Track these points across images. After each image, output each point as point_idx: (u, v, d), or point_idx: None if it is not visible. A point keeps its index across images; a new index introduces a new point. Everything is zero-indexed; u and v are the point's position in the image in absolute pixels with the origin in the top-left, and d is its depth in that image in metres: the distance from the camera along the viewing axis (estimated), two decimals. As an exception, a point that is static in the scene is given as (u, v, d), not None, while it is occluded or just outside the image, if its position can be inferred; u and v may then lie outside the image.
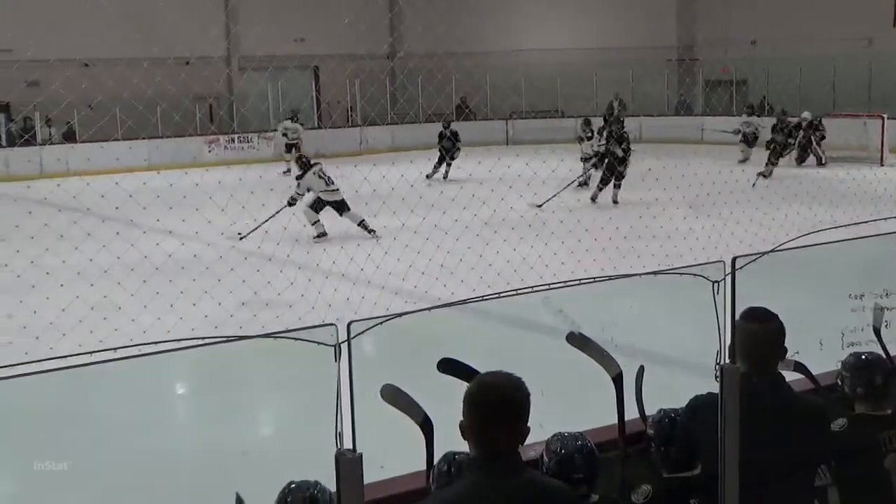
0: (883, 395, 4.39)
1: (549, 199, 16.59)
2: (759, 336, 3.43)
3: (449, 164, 22.28)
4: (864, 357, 4.43)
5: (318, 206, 14.74)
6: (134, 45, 23.21)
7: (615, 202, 17.92)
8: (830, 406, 4.28)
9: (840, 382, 4.46)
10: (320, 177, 14.72)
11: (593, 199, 18.10)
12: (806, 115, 24.22)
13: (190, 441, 6.57)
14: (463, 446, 3.58)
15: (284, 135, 25.37)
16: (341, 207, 14.72)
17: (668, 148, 24.43)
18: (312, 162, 15.06)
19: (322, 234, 14.37)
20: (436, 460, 3.50)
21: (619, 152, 18.46)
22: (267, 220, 13.48)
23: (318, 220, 14.60)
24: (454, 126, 23.31)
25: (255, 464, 5.59)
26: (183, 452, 6.20)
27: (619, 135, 18.91)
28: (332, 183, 14.95)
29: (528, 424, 2.82)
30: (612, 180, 18.19)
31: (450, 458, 3.51)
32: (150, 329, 8.15)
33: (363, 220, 14.48)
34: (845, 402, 4.44)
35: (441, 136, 22.69)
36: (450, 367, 3.57)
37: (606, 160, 18.44)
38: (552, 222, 13.28)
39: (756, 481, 3.19)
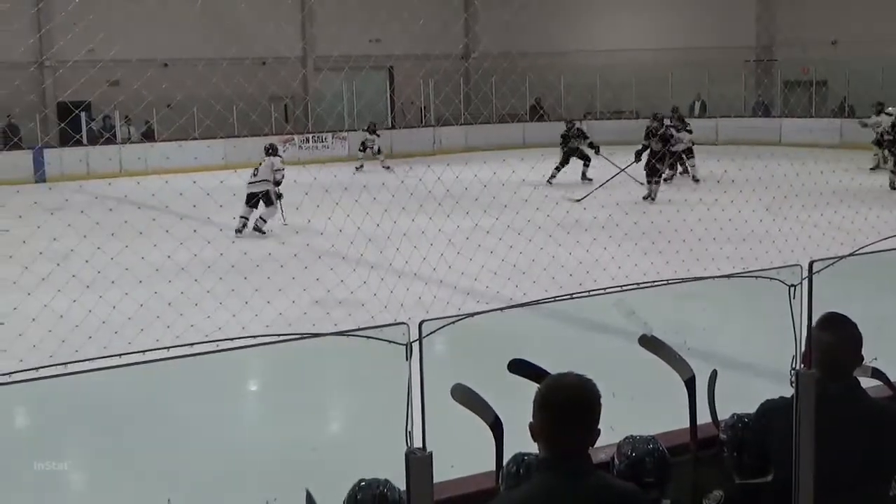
0: None
1: (588, 194, 16.41)
2: (835, 343, 3.37)
3: (586, 165, 21.54)
4: None
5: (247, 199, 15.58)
6: (212, 45, 23.55)
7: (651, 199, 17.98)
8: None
9: None
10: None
11: (648, 197, 18.13)
12: (891, 110, 23.61)
13: (262, 437, 6.65)
14: (532, 448, 3.58)
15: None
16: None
17: (745, 150, 24.08)
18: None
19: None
20: (505, 461, 3.50)
21: (656, 147, 18.64)
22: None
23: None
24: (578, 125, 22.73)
25: (325, 461, 5.64)
26: (256, 448, 6.28)
27: (655, 131, 19.19)
28: (255, 175, 15.97)
29: (599, 426, 2.80)
30: (654, 176, 18.33)
31: (519, 459, 3.50)
32: (225, 326, 8.27)
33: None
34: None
35: (565, 137, 21.91)
36: (520, 367, 3.56)
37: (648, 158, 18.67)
38: (625, 224, 13.19)
39: (829, 488, 3.14)
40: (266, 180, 15.79)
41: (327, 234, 11.50)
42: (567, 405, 2.77)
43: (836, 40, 29.79)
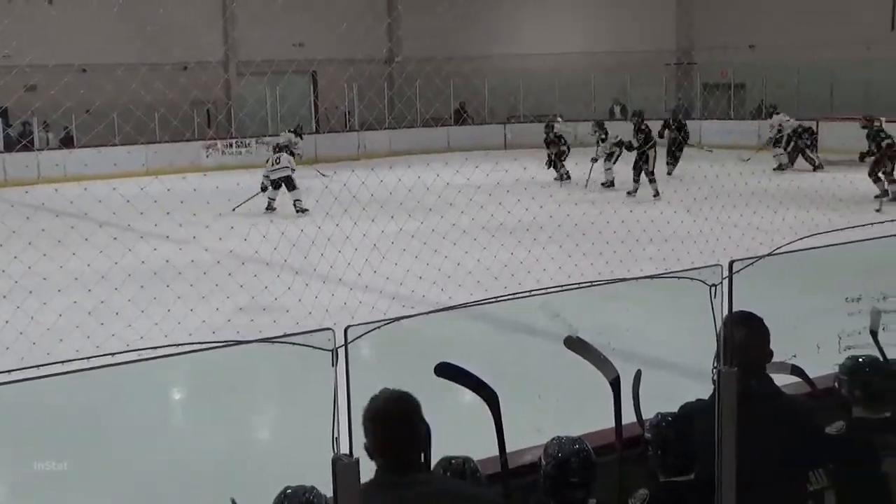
0: (880, 398, 4.38)
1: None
2: (745, 339, 3.43)
3: (562, 165, 22.65)
4: (861, 360, 4.42)
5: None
6: (132, 50, 23.24)
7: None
8: (828, 409, 4.27)
9: (837, 386, 4.46)
10: None
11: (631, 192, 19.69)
12: (792, 122, 24.39)
13: (186, 446, 6.57)
14: (460, 451, 3.60)
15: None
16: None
17: (664, 152, 24.42)
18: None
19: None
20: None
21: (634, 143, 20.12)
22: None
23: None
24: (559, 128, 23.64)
25: (252, 469, 5.59)
26: (179, 457, 6.19)
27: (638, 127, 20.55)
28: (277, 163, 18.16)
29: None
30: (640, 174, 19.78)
31: (445, 463, 3.51)
32: (147, 334, 8.14)
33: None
34: (843, 405, 4.43)
35: (548, 140, 23.12)
36: (447, 371, 3.57)
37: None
38: (550, 226, 13.28)
39: (750, 484, 3.19)
40: (287, 167, 18.03)
41: (251, 240, 11.39)
42: (388, 421, 2.97)
43: (754, 45, 30.37)
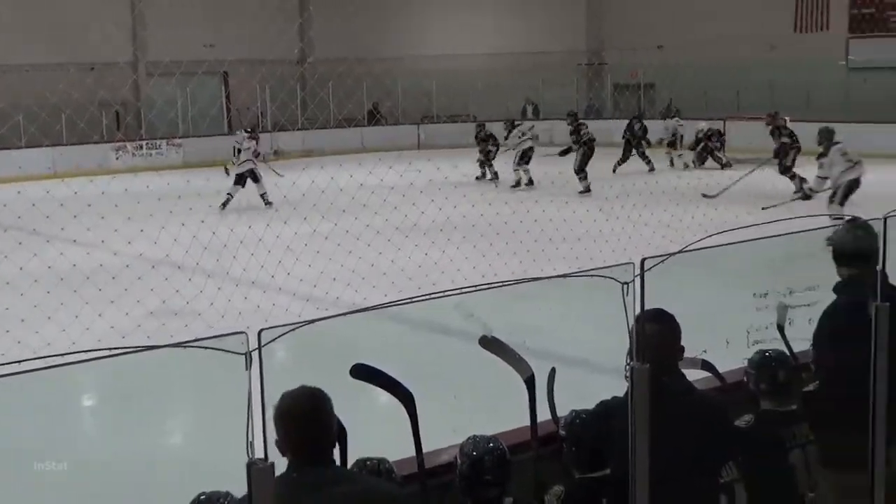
0: (787, 391, 4.49)
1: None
2: (657, 336, 3.48)
3: (490, 165, 22.61)
4: (767, 354, 4.52)
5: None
6: (37, 50, 22.72)
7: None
8: (737, 403, 4.36)
9: (746, 380, 4.56)
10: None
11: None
12: (701, 125, 25.00)
13: (97, 455, 6.43)
14: (376, 452, 3.58)
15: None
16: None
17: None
18: None
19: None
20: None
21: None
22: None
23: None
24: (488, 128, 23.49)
25: (165, 476, 5.50)
26: (90, 467, 6.06)
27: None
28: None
29: (342, 425, 3.12)
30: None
31: (360, 464, 3.50)
32: (54, 341, 7.96)
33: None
34: (751, 399, 4.52)
35: (478, 139, 22.97)
36: (362, 373, 3.56)
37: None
38: (463, 226, 13.33)
39: (662, 479, 3.24)
40: (249, 160, 18.24)
41: (161, 244, 11.21)
42: (303, 419, 2.98)
43: (663, 45, 30.85)
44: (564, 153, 20.84)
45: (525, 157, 21.28)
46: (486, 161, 22.64)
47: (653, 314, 3.47)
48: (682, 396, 3.61)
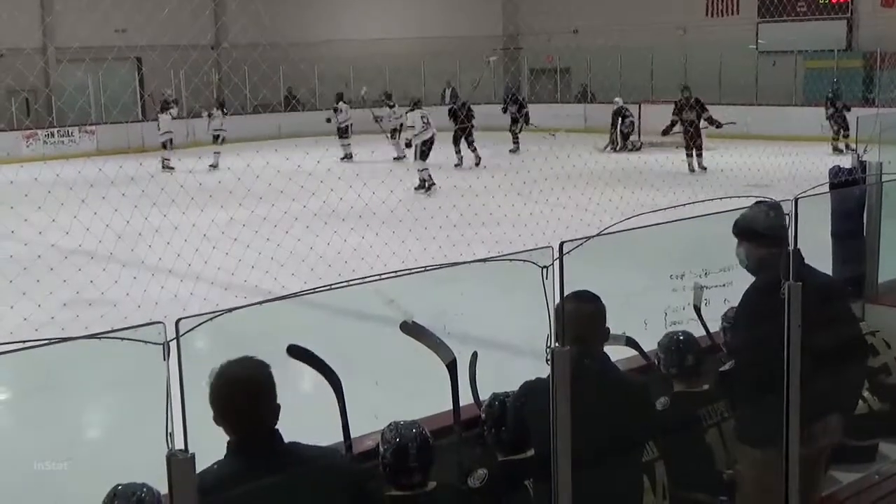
0: (696, 372, 4.59)
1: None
2: (583, 318, 3.52)
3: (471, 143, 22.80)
4: (675, 338, 4.61)
5: None
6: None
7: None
8: (653, 385, 4.43)
9: (657, 363, 4.64)
10: None
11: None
12: (617, 100, 25.36)
13: (10, 450, 6.30)
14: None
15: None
16: None
17: (495, 136, 24.81)
18: None
19: None
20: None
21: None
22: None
23: None
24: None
25: (81, 470, 5.40)
26: (4, 462, 5.93)
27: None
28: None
29: (279, 403, 3.04)
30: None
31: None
32: (-35, 334, 7.77)
33: None
34: (665, 380, 4.61)
35: (454, 114, 23.36)
36: (298, 353, 3.58)
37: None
38: (382, 212, 13.30)
39: (587, 459, 3.27)
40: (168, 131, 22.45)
41: (73, 233, 10.99)
42: (243, 393, 2.98)
43: (577, 29, 31.10)
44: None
45: (426, 153, 19.71)
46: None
47: (578, 296, 3.50)
48: (605, 377, 3.66)
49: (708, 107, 21.13)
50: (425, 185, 18.89)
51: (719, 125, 20.66)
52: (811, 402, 3.92)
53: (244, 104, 28.87)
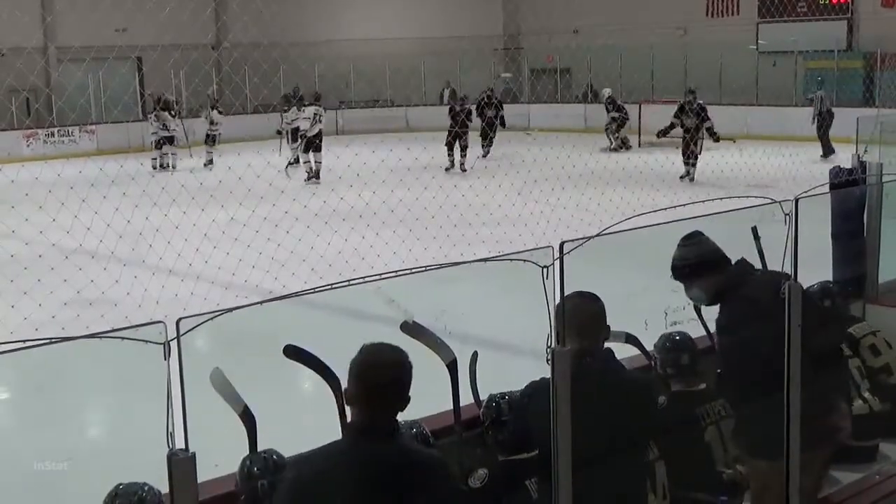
0: (692, 372, 4.60)
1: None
2: (584, 316, 3.52)
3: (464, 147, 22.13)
4: (671, 338, 4.62)
5: None
6: (-60, 35, 22.04)
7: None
8: (651, 385, 4.44)
9: (654, 364, 4.65)
10: None
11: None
12: (605, 91, 25.35)
13: (13, 449, 6.30)
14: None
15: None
16: None
17: (496, 136, 24.80)
18: None
19: None
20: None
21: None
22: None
23: None
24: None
25: (83, 469, 5.41)
26: (6, 460, 5.94)
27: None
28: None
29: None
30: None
31: (259, 458, 3.47)
32: (-35, 334, 7.77)
33: None
34: (662, 380, 4.62)
35: (454, 112, 22.61)
36: (295, 353, 3.58)
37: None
38: (382, 211, 13.30)
39: (591, 458, 3.28)
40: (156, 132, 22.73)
41: (74, 233, 10.99)
42: (381, 377, 2.96)
43: (578, 29, 31.09)
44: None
45: (310, 146, 19.95)
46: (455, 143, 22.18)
47: (578, 294, 3.51)
48: (606, 376, 3.66)
49: (709, 109, 20.71)
50: (309, 175, 19.21)
51: (717, 139, 19.74)
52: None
53: (245, 104, 28.86)
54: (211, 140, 24.55)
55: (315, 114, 20.68)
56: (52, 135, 26.77)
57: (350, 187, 12.46)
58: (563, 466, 3.15)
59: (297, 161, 21.42)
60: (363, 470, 2.90)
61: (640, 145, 24.67)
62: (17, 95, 26.25)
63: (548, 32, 31.12)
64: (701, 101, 20.12)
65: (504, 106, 25.56)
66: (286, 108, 22.13)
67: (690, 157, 19.67)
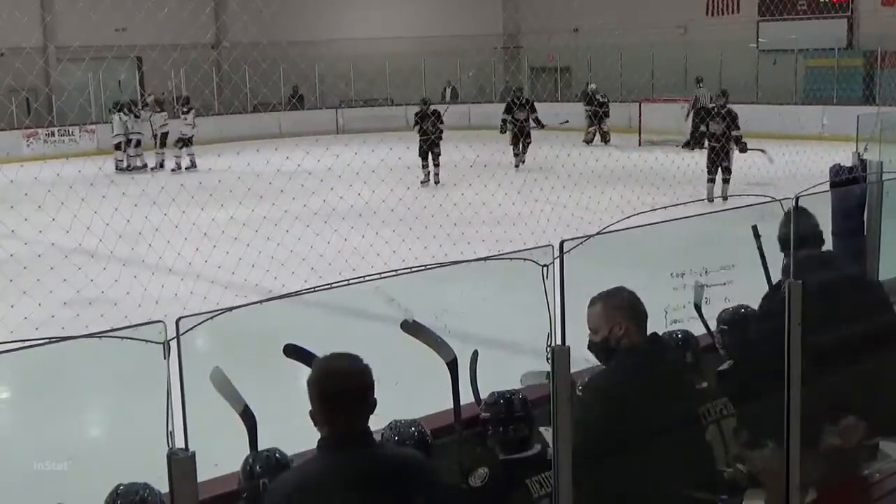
0: (694, 371, 4.59)
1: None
2: (643, 307, 3.63)
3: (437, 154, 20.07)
4: (672, 336, 4.62)
5: None
6: (-60, 35, 22.03)
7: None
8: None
9: None
10: None
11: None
12: (592, 86, 25.36)
13: (12, 449, 6.30)
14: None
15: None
16: None
17: (495, 134, 24.78)
18: None
19: None
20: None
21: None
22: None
23: None
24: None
25: (84, 469, 5.40)
26: (5, 460, 5.94)
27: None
28: None
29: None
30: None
31: (262, 457, 3.47)
32: (-35, 333, 7.77)
33: None
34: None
35: (423, 116, 20.23)
36: (294, 352, 3.58)
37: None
38: (382, 210, 13.30)
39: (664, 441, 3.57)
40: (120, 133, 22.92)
41: (74, 232, 10.99)
42: (341, 389, 2.91)
43: (578, 28, 31.07)
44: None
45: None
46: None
47: (624, 290, 3.82)
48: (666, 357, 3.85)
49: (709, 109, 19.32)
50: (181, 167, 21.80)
51: (745, 149, 16.53)
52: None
53: (244, 103, 28.86)
54: (181, 143, 23.96)
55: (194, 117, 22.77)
56: (52, 134, 26.77)
57: (350, 186, 12.45)
58: (563, 466, 3.15)
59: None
60: (338, 483, 2.87)
61: (640, 144, 24.64)
62: (16, 95, 26.23)
63: (548, 31, 31.10)
64: (730, 106, 17.15)
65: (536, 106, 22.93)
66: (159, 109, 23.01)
67: (724, 172, 16.49)
